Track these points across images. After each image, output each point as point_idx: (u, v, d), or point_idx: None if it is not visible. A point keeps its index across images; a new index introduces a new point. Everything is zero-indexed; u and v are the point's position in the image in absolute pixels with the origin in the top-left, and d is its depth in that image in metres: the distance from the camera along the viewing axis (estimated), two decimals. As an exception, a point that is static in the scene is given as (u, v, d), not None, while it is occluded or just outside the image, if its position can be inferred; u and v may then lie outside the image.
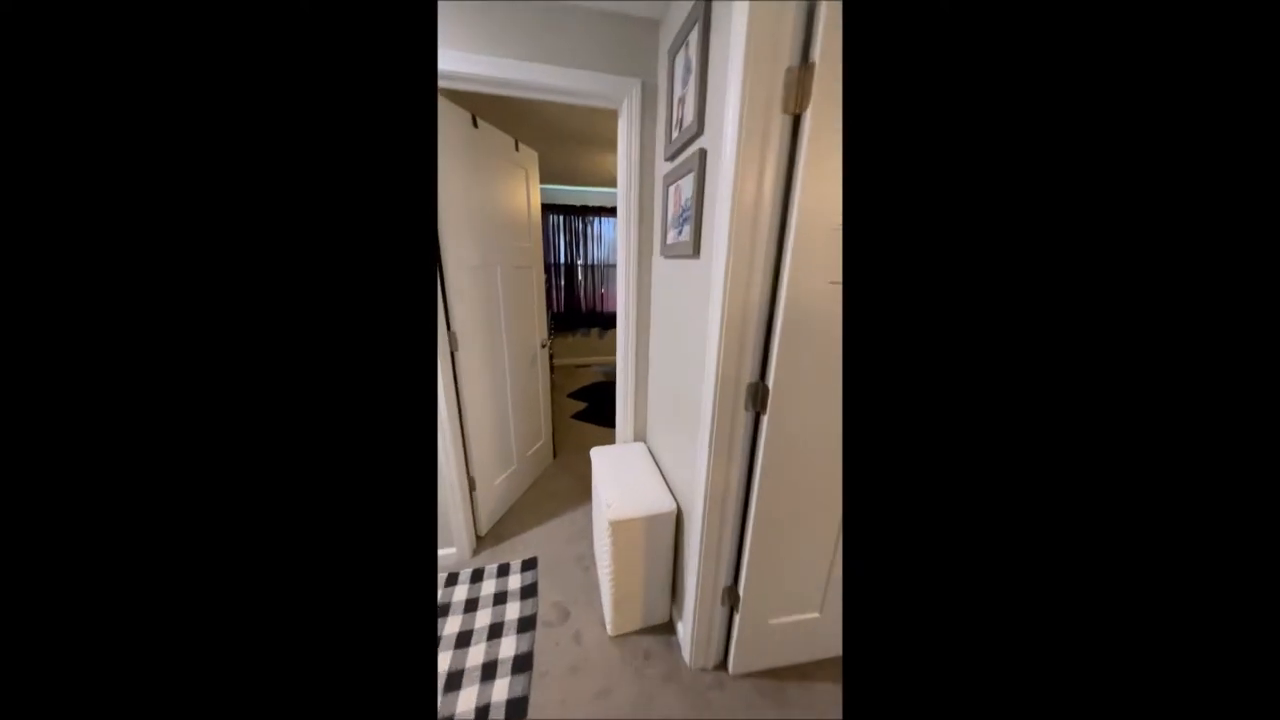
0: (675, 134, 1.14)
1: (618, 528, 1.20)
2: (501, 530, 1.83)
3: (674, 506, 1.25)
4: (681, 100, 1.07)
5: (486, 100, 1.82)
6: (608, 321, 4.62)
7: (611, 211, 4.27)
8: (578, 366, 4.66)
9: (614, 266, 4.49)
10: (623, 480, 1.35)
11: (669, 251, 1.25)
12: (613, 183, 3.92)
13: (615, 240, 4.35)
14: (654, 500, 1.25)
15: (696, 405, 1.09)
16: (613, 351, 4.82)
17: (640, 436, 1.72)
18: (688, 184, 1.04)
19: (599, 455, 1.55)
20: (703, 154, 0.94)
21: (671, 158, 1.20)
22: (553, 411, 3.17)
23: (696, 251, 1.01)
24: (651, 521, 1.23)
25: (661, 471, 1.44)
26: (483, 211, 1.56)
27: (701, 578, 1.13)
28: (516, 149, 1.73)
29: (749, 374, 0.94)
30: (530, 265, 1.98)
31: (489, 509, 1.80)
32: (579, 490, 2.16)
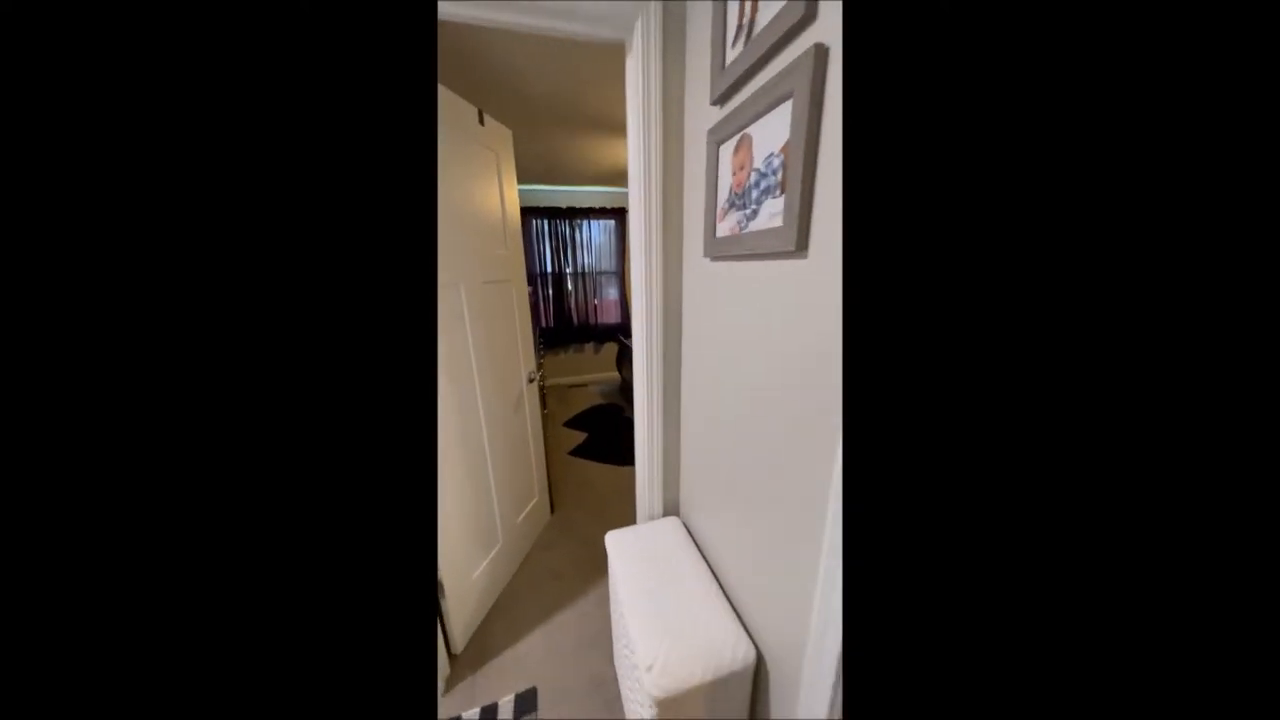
0: (735, 52, 0.69)
1: (667, 707, 0.73)
2: (485, 640, 1.34)
3: (752, 654, 0.78)
4: (751, -16, 0.62)
5: (438, 59, 1.34)
6: (603, 334, 4.17)
7: (602, 213, 3.82)
8: (571, 387, 4.17)
9: (607, 274, 4.06)
10: (661, 601, 0.88)
11: (720, 249, 0.79)
12: (604, 180, 3.47)
13: (605, 244, 3.93)
14: (717, 643, 0.79)
15: (799, 495, 0.63)
16: (610, 367, 4.35)
17: (672, 509, 1.26)
18: (772, 127, 0.59)
19: (617, 545, 1.08)
20: (820, 55, 0.49)
21: (725, 98, 0.75)
22: (546, 449, 2.66)
23: (802, 244, 0.56)
24: (719, 686, 0.76)
25: (715, 574, 0.98)
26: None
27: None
28: (481, 122, 1.26)
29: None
30: (509, 278, 1.51)
31: (465, 616, 1.31)
32: (587, 561, 1.68)
